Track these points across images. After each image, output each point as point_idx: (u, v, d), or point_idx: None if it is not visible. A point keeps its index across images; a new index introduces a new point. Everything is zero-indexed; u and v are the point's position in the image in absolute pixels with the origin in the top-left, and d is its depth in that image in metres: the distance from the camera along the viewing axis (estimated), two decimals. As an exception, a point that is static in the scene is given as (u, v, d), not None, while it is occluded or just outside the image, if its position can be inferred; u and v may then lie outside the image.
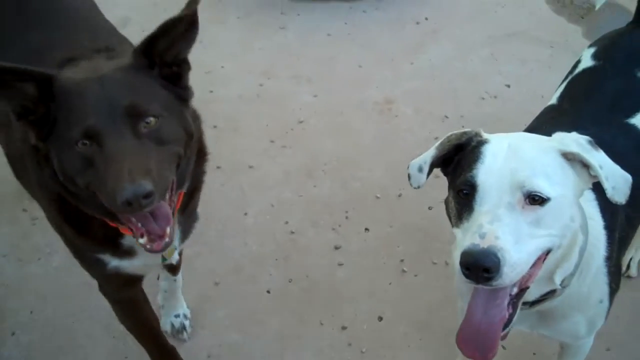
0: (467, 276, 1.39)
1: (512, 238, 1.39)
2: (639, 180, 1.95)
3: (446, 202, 1.62)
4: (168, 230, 1.69)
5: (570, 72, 2.27)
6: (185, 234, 2.11)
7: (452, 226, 1.56)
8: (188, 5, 1.69)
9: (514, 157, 1.47)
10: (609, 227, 1.79)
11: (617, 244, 1.84)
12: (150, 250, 1.70)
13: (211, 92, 3.80)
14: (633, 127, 1.99)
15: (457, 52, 3.92)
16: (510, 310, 1.55)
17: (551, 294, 1.71)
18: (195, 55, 4.17)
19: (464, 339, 1.59)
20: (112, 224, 1.83)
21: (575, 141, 1.51)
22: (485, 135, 1.59)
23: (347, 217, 3.15)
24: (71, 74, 1.72)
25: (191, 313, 2.78)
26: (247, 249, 3.04)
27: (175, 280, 2.72)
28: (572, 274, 1.70)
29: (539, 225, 1.43)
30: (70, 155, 1.64)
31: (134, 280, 2.19)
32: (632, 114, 2.01)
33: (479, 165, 1.48)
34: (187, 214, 2.08)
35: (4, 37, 2.14)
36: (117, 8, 4.13)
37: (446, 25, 4.16)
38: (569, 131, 1.59)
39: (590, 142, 1.52)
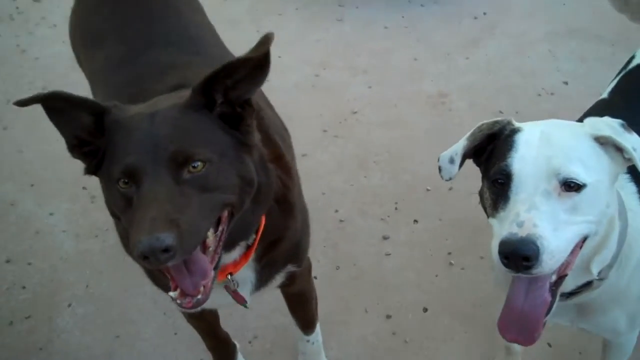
0: (506, 265, 1.39)
1: (550, 225, 1.39)
2: None
3: (480, 193, 1.62)
4: (202, 287, 1.55)
5: (624, 67, 2.24)
6: (261, 283, 1.97)
7: (488, 217, 1.56)
8: (260, 44, 1.53)
9: (547, 144, 1.47)
10: None
11: None
12: (181, 307, 1.57)
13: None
14: None
15: (515, 48, 3.89)
16: (550, 298, 1.54)
17: (588, 285, 1.70)
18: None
19: (506, 324, 1.59)
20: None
21: (608, 124, 1.51)
22: (517, 124, 1.58)
23: (396, 208, 3.17)
24: (128, 108, 1.64)
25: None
26: (296, 235, 3.09)
27: (309, 342, 2.54)
28: (609, 266, 1.69)
29: (576, 211, 1.43)
30: (113, 192, 1.55)
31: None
32: None
33: (513, 154, 1.48)
34: (268, 263, 1.95)
35: (130, 52, 2.17)
36: None
37: (504, 21, 4.13)
38: None
39: (622, 124, 1.51)
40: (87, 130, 1.59)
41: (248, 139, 1.62)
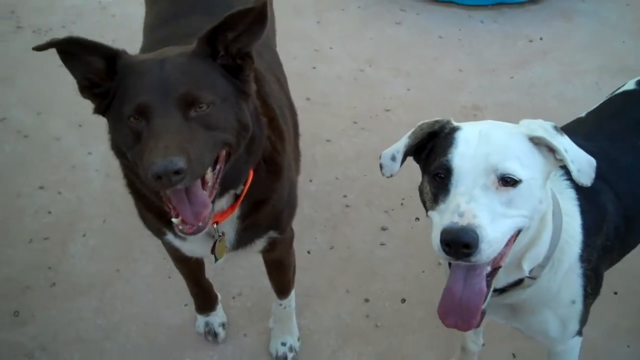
0: (447, 253, 1.46)
1: (488, 216, 1.46)
2: (637, 200, 1.98)
3: (420, 188, 1.70)
4: (203, 215, 1.68)
5: (611, 94, 2.29)
6: (240, 242, 2.11)
7: (427, 210, 1.64)
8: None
9: (486, 142, 1.55)
10: (588, 228, 1.82)
11: (598, 250, 1.87)
12: (182, 232, 1.70)
13: (314, 68, 4.04)
14: None
15: (561, 75, 3.90)
16: (486, 288, 1.61)
17: (519, 283, 1.78)
18: (310, 33, 4.53)
19: (445, 310, 1.65)
20: (168, 210, 1.84)
21: (541, 126, 1.59)
22: (456, 123, 1.67)
23: (402, 204, 3.27)
24: (139, 56, 1.81)
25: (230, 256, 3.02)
26: (301, 211, 3.18)
27: (281, 305, 2.67)
28: (541, 266, 1.76)
29: (511, 205, 1.50)
30: (122, 129, 1.69)
31: (188, 256, 2.30)
32: None
33: (453, 150, 1.56)
34: (249, 224, 2.07)
35: (174, 13, 2.39)
36: None
37: (558, 48, 4.14)
38: (581, 140, 1.66)
39: (554, 127, 1.59)
40: (98, 72, 1.73)
41: (246, 87, 1.78)
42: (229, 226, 2.03)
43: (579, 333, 2.04)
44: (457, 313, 1.63)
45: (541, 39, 4.22)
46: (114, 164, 3.37)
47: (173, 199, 1.68)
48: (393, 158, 1.74)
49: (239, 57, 1.76)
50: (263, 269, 2.90)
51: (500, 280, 1.72)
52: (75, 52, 1.72)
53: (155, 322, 2.85)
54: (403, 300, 2.89)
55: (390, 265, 3.02)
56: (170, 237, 2.11)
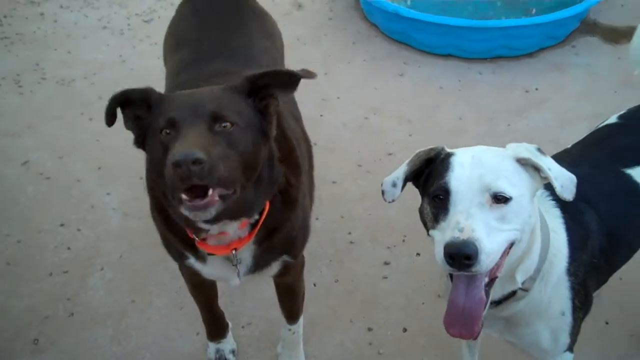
0: (450, 265, 1.62)
1: (485, 231, 1.63)
2: (621, 222, 2.16)
3: (420, 210, 1.87)
4: (209, 193, 1.73)
5: (595, 127, 2.48)
6: (257, 266, 2.27)
7: (428, 229, 1.81)
8: (304, 71, 1.97)
9: (478, 165, 1.72)
10: (573, 244, 2.00)
11: (584, 265, 2.03)
12: (190, 207, 1.73)
13: (321, 115, 4.26)
14: (628, 176, 2.18)
15: (557, 123, 4.10)
16: (485, 297, 1.76)
17: (513, 295, 1.93)
18: (318, 83, 4.77)
19: (450, 321, 1.80)
20: (191, 236, 2.06)
21: (526, 149, 1.77)
22: (449, 150, 1.85)
23: (403, 241, 3.43)
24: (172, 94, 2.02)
25: (242, 287, 3.18)
26: (308, 246, 3.38)
27: (290, 330, 2.81)
28: (532, 278, 1.91)
29: (504, 220, 1.68)
30: (154, 145, 1.85)
31: (205, 279, 2.47)
32: (632, 165, 2.20)
33: (450, 174, 1.73)
34: (265, 248, 2.22)
35: (198, 59, 2.65)
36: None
37: (554, 98, 4.35)
38: (567, 167, 1.84)
39: (538, 149, 1.78)
40: (142, 109, 1.96)
41: (269, 128, 1.98)
42: (247, 252, 2.20)
43: (570, 349, 2.17)
44: (461, 322, 1.79)
45: (537, 89, 4.45)
46: (132, 204, 3.67)
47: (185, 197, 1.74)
48: (394, 184, 1.93)
49: (266, 98, 1.97)
50: (271, 301, 3.07)
51: (496, 292, 1.88)
52: (127, 100, 1.97)
53: (169, 350, 2.98)
54: (404, 330, 3.02)
55: (392, 297, 3.16)
56: (191, 260, 2.27)
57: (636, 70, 2.42)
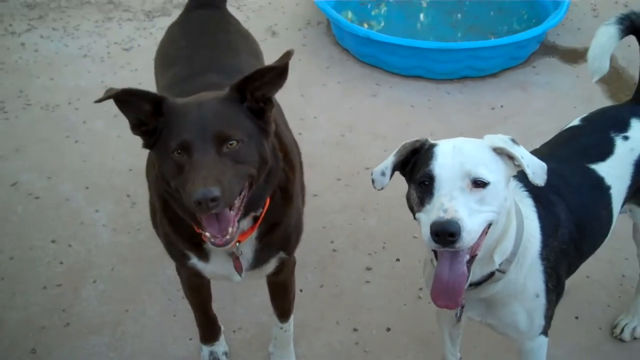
0: (436, 242, 1.82)
1: (466, 211, 1.84)
2: (588, 212, 2.39)
3: (407, 196, 2.07)
4: (230, 230, 2.01)
5: (561, 130, 2.73)
6: (257, 262, 2.44)
7: (415, 213, 2.01)
8: (282, 57, 2.05)
9: (459, 153, 1.94)
10: (545, 230, 2.22)
11: (555, 251, 2.25)
12: (214, 244, 2.02)
13: (300, 134, 4.43)
14: (592, 170, 2.43)
15: (521, 137, 4.19)
16: (467, 272, 1.96)
17: (492, 277, 2.13)
18: (295, 104, 5.01)
19: (437, 293, 1.98)
20: (197, 231, 2.19)
21: (501, 139, 2.00)
22: (433, 141, 2.06)
23: (383, 247, 3.62)
24: (180, 99, 2.13)
25: (233, 294, 3.33)
26: (295, 255, 3.58)
27: (282, 329, 2.97)
28: (509, 261, 2.12)
29: (483, 203, 1.88)
30: (167, 161, 2.02)
31: (204, 279, 2.67)
32: (595, 161, 2.44)
33: (434, 162, 1.93)
34: (265, 244, 2.41)
35: (191, 74, 2.78)
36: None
37: (518, 114, 4.62)
38: None
39: (512, 139, 2.00)
40: (146, 114, 2.07)
41: (268, 127, 2.14)
42: (248, 247, 2.38)
43: (545, 333, 2.37)
44: (446, 294, 1.97)
45: (502, 106, 4.71)
46: (120, 220, 3.82)
47: (204, 220, 2.03)
48: (383, 174, 2.12)
49: (262, 102, 2.11)
50: (261, 306, 3.23)
51: (476, 274, 2.08)
52: (128, 99, 2.05)
53: (164, 355, 3.11)
54: (388, 329, 3.19)
55: (375, 299, 3.34)
56: (194, 260, 2.43)
57: (594, 78, 2.66)
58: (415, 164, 2.05)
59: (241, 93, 2.09)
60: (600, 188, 2.47)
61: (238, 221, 2.07)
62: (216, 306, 3.06)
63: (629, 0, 5.97)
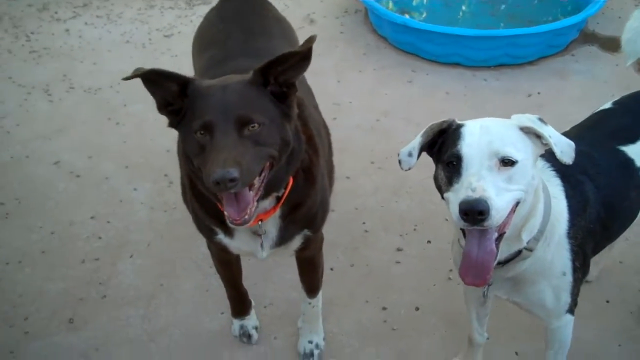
0: (465, 220, 1.82)
1: (494, 190, 1.84)
2: (616, 193, 2.38)
3: (435, 176, 2.08)
4: (248, 210, 2.04)
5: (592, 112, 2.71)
6: (282, 239, 2.47)
7: (443, 193, 2.02)
8: (306, 42, 2.07)
9: (487, 133, 1.94)
10: (572, 209, 2.21)
11: (583, 230, 2.24)
12: (232, 223, 2.06)
13: (334, 119, 4.49)
14: (621, 151, 2.41)
15: (556, 124, 4.14)
16: (495, 249, 1.96)
17: (519, 255, 2.14)
18: (332, 90, 5.05)
19: (465, 271, 1.99)
20: (221, 209, 2.17)
21: (529, 119, 2.00)
22: (459, 122, 2.07)
23: (415, 229, 3.65)
24: (205, 81, 2.16)
25: (264, 271, 3.40)
26: (325, 235, 3.57)
27: (310, 304, 3.00)
28: (536, 239, 2.12)
29: (511, 181, 1.89)
30: (191, 141, 2.06)
31: (232, 254, 2.71)
32: (625, 143, 2.43)
33: (461, 142, 1.94)
34: (289, 222, 2.44)
35: (226, 57, 2.86)
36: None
37: (553, 102, 4.58)
38: None
39: (539, 118, 2.01)
40: (173, 95, 2.10)
41: (290, 111, 2.16)
42: (272, 225, 2.41)
43: (571, 311, 2.37)
44: (474, 271, 1.98)
45: (539, 93, 4.68)
46: (158, 198, 3.92)
47: (225, 199, 2.07)
48: (410, 154, 2.12)
49: (285, 86, 2.13)
50: (291, 282, 3.28)
51: (504, 252, 2.08)
52: (156, 80, 2.10)
53: (196, 327, 3.18)
54: (417, 309, 3.22)
55: (405, 279, 3.37)
56: (220, 236, 2.48)
57: (629, 61, 2.64)
58: (442, 145, 2.06)
59: (265, 77, 2.11)
60: (630, 169, 2.45)
61: (258, 201, 2.10)
62: (248, 283, 3.12)
63: (673, -11, 5.87)
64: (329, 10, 5.86)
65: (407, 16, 5.64)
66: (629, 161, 2.45)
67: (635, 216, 2.55)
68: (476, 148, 1.91)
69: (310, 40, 2.09)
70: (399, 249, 3.54)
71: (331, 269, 3.42)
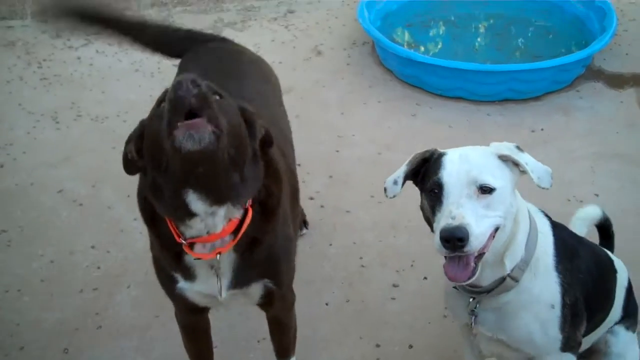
0: (446, 247, 1.91)
1: (474, 217, 1.92)
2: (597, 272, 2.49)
3: (421, 206, 2.15)
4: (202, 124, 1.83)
5: None
6: (237, 281, 2.32)
7: (431, 225, 2.07)
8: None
9: (466, 161, 2.02)
10: (559, 249, 2.27)
11: (571, 272, 2.28)
12: (186, 127, 1.82)
13: (337, 151, 4.53)
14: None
15: (560, 161, 4.31)
16: (474, 265, 2.01)
17: (503, 283, 2.17)
18: (335, 122, 5.08)
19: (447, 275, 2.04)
20: (178, 240, 2.14)
21: (507, 147, 2.08)
22: (441, 150, 2.14)
23: (412, 265, 3.64)
24: None
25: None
26: (322, 270, 3.64)
27: None
28: (521, 269, 2.16)
29: (489, 208, 1.96)
30: (152, 120, 2.00)
31: (197, 310, 2.55)
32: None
33: (442, 171, 2.02)
34: (246, 261, 2.30)
35: None
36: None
37: (558, 138, 4.57)
38: None
39: (517, 146, 2.09)
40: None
41: (255, 130, 2.14)
42: (228, 263, 2.28)
43: (570, 348, 2.33)
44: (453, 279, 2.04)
45: (542, 129, 4.68)
46: None
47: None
48: (395, 182, 2.22)
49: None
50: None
51: (487, 278, 2.13)
52: None
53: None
54: (410, 346, 3.20)
55: (400, 316, 3.36)
56: (181, 283, 2.37)
57: None
58: (425, 173, 2.14)
59: None
60: (610, 267, 2.62)
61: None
62: (241, 318, 3.12)
63: (681, 26, 5.87)
64: (337, 42, 5.90)
65: (422, 49, 5.70)
66: (610, 261, 2.67)
67: (609, 309, 2.60)
68: (455, 176, 1.99)
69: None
70: (395, 285, 3.53)
71: (326, 304, 3.43)
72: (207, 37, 3.44)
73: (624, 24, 5.80)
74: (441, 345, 3.18)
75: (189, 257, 2.23)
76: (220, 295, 2.32)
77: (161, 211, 2.14)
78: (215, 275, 2.29)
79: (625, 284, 2.71)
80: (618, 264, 2.72)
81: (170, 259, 2.32)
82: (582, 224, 2.84)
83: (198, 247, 2.20)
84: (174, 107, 1.84)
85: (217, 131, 1.87)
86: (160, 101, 2.00)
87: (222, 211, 2.08)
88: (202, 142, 1.83)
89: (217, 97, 1.97)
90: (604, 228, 2.93)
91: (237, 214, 2.17)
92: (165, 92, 1.94)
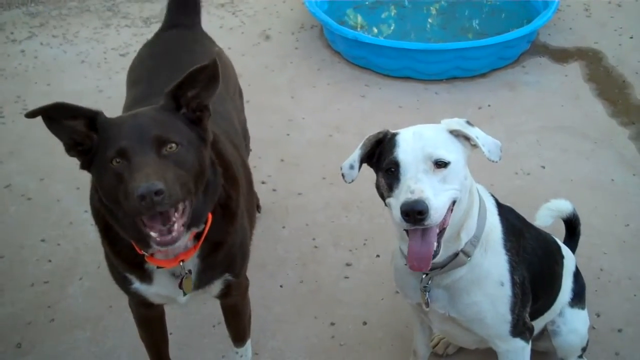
0: (406, 221, 1.95)
1: (431, 191, 1.98)
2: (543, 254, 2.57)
3: (377, 185, 2.19)
4: (175, 227, 1.94)
5: None
6: (201, 282, 2.36)
7: (385, 199, 2.13)
8: (210, 60, 2.07)
9: (419, 139, 2.08)
10: (505, 225, 2.34)
11: (517, 250, 2.36)
12: (159, 244, 1.94)
13: (288, 135, 4.54)
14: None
15: (506, 135, 4.38)
16: (436, 243, 2.07)
17: (455, 259, 2.22)
18: (285, 106, 5.07)
19: (411, 259, 2.08)
20: (139, 252, 2.16)
21: (457, 122, 2.15)
22: (393, 131, 2.18)
23: (364, 244, 3.68)
24: (116, 117, 2.09)
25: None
26: (275, 253, 3.65)
27: (237, 354, 2.88)
28: (473, 244, 2.22)
29: (445, 181, 2.03)
30: (106, 173, 1.95)
31: (152, 305, 2.56)
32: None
33: (397, 149, 2.08)
34: (208, 264, 2.34)
35: (152, 94, 2.63)
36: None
37: (504, 114, 4.65)
38: None
39: (467, 121, 2.15)
40: (81, 133, 2.01)
41: (206, 134, 2.14)
42: (191, 267, 2.31)
43: (522, 335, 2.41)
44: (418, 257, 2.07)
45: (489, 105, 4.75)
46: None
47: (149, 219, 1.93)
48: (351, 167, 2.25)
49: (199, 110, 2.12)
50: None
51: (442, 254, 2.15)
52: (59, 117, 1.99)
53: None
54: (364, 323, 3.24)
55: (353, 294, 3.40)
56: (136, 284, 2.36)
57: None
58: (380, 154, 2.18)
59: (176, 101, 2.09)
60: (557, 251, 2.71)
61: (184, 226, 2.01)
62: (197, 303, 3.11)
63: (622, 0, 5.99)
64: (285, 26, 5.90)
65: (375, 30, 5.72)
66: (558, 247, 2.77)
67: (556, 294, 2.69)
68: (411, 153, 2.04)
69: (215, 55, 2.14)
70: (348, 264, 3.57)
71: (280, 286, 3.45)
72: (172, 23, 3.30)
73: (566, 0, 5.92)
74: (394, 321, 3.23)
75: (150, 264, 2.24)
76: (182, 299, 2.37)
77: (120, 233, 2.14)
78: (176, 280, 2.30)
79: (573, 269, 2.80)
80: (566, 250, 2.80)
81: (127, 265, 2.32)
82: (549, 214, 2.91)
83: (159, 255, 2.19)
84: (142, 210, 1.86)
85: (183, 209, 1.99)
86: (111, 159, 1.94)
87: (187, 235, 2.14)
88: (177, 245, 2.00)
89: (174, 146, 1.98)
90: (572, 225, 3.01)
91: (200, 227, 2.21)
92: (117, 150, 1.92)
